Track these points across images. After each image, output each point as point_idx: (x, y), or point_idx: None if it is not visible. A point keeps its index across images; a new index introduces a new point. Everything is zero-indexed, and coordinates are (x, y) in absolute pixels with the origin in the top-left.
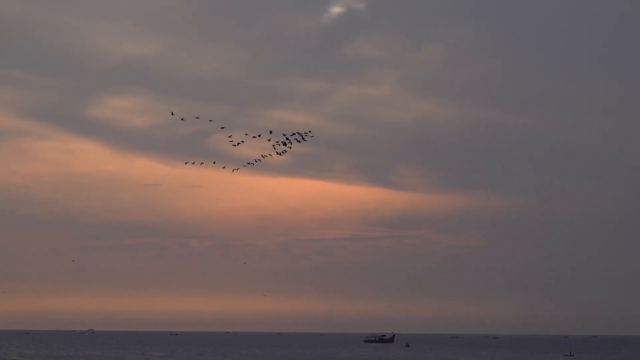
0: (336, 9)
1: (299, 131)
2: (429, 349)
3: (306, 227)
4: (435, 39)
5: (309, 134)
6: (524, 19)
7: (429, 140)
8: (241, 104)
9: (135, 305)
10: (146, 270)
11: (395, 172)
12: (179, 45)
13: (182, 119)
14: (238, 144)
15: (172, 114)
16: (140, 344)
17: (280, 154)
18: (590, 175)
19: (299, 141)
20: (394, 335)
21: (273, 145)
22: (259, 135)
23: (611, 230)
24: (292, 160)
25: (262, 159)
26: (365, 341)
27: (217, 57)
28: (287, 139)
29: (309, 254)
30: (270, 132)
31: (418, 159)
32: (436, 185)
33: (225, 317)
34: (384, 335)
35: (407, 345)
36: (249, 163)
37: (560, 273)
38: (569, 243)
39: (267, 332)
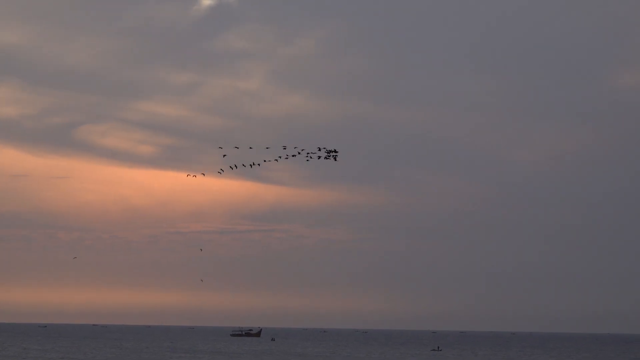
0: (207, 1)
1: (326, 148)
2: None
3: (175, 220)
4: (305, 33)
5: (333, 153)
6: (393, 13)
7: (299, 133)
8: (110, 94)
9: (2, 297)
10: (13, 261)
11: (264, 165)
12: (47, 34)
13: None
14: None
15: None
16: (4, 337)
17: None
18: (456, 169)
19: (327, 158)
20: (261, 329)
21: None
22: (286, 157)
23: (477, 224)
24: (160, 151)
25: (263, 163)
26: (232, 335)
27: (86, 47)
28: (318, 155)
29: (177, 247)
30: (284, 148)
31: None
32: (306, 179)
33: (93, 310)
34: (251, 330)
35: (273, 339)
36: (243, 165)
37: (428, 268)
38: (436, 237)
39: (136, 325)
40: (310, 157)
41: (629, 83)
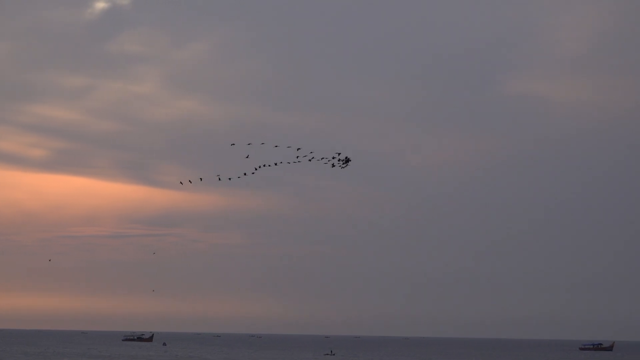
0: (100, 4)
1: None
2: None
3: (67, 224)
4: (199, 37)
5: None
6: (287, 18)
7: (193, 138)
8: (1, 97)
9: None
10: None
11: (158, 169)
12: None
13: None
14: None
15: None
16: None
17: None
18: (351, 175)
19: (342, 167)
20: (153, 334)
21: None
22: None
23: (370, 229)
24: (53, 155)
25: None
26: (124, 340)
27: None
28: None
29: (70, 251)
30: (298, 149)
31: (181, 157)
32: (199, 183)
33: None
34: (143, 334)
35: (165, 344)
36: (245, 174)
37: (322, 273)
38: (330, 242)
39: (28, 330)
40: (328, 161)
41: (518, 90)
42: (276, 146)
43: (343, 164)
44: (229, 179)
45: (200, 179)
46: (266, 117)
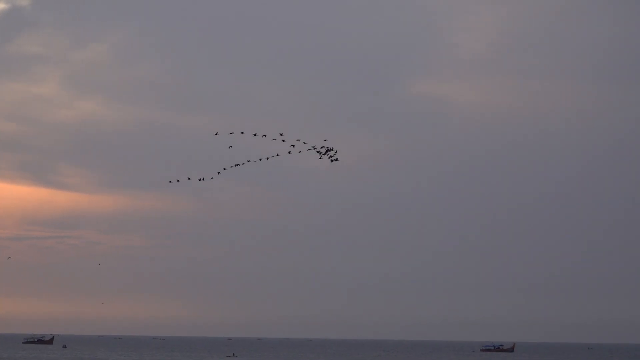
0: None
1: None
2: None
3: None
4: (99, 38)
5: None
6: (187, 19)
7: (94, 140)
8: None
9: None
10: None
11: (59, 171)
12: None
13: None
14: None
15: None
16: None
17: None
18: (254, 177)
19: (327, 154)
20: (53, 336)
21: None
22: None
23: (274, 231)
24: None
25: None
26: (24, 342)
27: None
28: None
29: None
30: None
31: (82, 158)
32: (100, 185)
33: None
34: (43, 337)
35: (65, 347)
36: (243, 161)
37: (224, 275)
38: (232, 244)
39: None
40: (318, 152)
41: (421, 91)
42: (254, 134)
43: (331, 157)
44: (202, 179)
45: (178, 180)
46: (165, 118)
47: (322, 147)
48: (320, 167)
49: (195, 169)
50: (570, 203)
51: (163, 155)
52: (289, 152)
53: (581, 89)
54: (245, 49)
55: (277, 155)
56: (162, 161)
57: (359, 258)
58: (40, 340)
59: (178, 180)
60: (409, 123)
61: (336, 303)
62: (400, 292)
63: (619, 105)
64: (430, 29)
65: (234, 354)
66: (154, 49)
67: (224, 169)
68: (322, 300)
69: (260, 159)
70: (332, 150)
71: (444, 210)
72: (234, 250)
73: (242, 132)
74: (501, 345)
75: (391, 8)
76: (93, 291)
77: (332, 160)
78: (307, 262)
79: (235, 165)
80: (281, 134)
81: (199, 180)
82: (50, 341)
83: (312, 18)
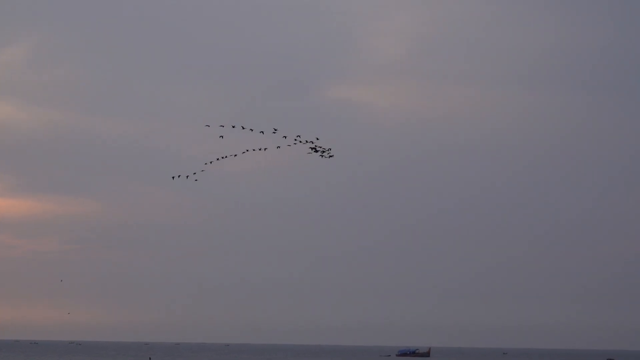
0: None
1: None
2: None
3: None
4: (15, 40)
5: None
6: (106, 23)
7: (8, 143)
8: None
9: None
10: None
11: None
12: None
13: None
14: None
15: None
16: None
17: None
18: (169, 180)
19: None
20: None
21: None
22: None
23: (190, 235)
24: None
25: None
26: None
27: None
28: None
29: None
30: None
31: None
32: (15, 189)
33: None
34: None
35: None
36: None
37: (140, 279)
38: (148, 248)
39: None
40: (312, 149)
41: (339, 95)
42: (251, 129)
43: (327, 154)
44: (187, 176)
45: (179, 176)
46: (84, 122)
47: (318, 147)
48: (234, 170)
49: (110, 173)
50: (487, 209)
51: (80, 159)
52: (278, 147)
53: (499, 95)
54: (164, 52)
55: (266, 149)
56: (79, 166)
57: (268, 262)
58: None
59: (179, 176)
60: (325, 128)
61: (247, 306)
62: (314, 297)
63: (536, 111)
64: (347, 33)
65: (150, 359)
66: (72, 52)
67: (210, 162)
68: (238, 304)
69: (247, 150)
70: (328, 150)
71: (359, 214)
72: (148, 254)
73: (233, 126)
74: (417, 349)
75: (308, 12)
76: (6, 295)
77: (329, 156)
78: (220, 266)
79: (223, 157)
80: (275, 130)
81: (202, 170)
82: None
83: (230, 22)
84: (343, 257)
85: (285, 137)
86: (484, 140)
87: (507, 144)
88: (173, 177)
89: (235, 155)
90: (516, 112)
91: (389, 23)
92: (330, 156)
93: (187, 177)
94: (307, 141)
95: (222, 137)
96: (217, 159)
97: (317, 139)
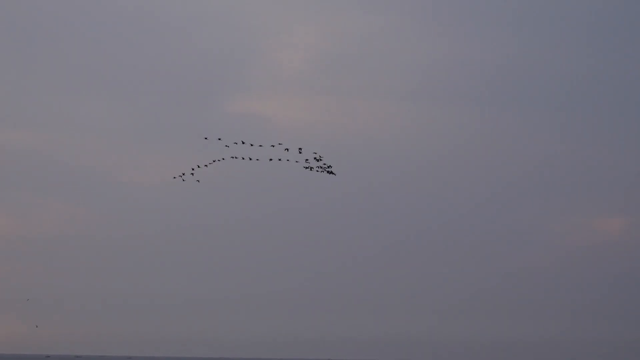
0: None
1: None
2: None
3: None
4: None
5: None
6: (12, 31)
7: None
8: None
9: None
10: None
11: None
12: None
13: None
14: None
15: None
16: None
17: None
18: (68, 192)
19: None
20: None
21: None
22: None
23: (88, 248)
24: None
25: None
26: None
27: None
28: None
29: None
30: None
31: None
32: None
33: None
34: None
35: None
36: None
37: (43, 292)
38: (50, 260)
39: None
40: (310, 166)
41: (242, 109)
42: (251, 145)
43: (326, 170)
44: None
45: (183, 173)
46: None
47: (322, 163)
48: (134, 181)
49: (6, 185)
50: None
51: None
52: (270, 160)
53: (403, 109)
54: (65, 63)
55: (257, 160)
56: None
57: (176, 274)
58: None
59: (183, 174)
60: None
61: (149, 319)
62: (209, 310)
63: (438, 125)
64: (252, 46)
65: None
66: None
67: (206, 165)
68: (145, 316)
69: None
70: (328, 167)
71: (263, 227)
72: (46, 266)
73: (241, 142)
74: None
75: (212, 24)
76: None
77: (328, 173)
78: (121, 278)
79: (214, 161)
80: (280, 144)
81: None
82: None
83: (133, 34)
84: (255, 272)
85: (287, 149)
86: (389, 152)
87: (411, 157)
88: (174, 177)
89: (223, 159)
90: (420, 125)
91: (295, 36)
92: (331, 173)
93: (182, 175)
94: (316, 158)
95: (220, 139)
96: (206, 165)
97: (315, 152)
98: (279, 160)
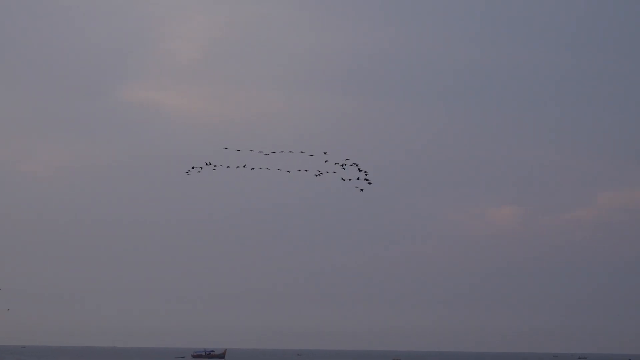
0: None
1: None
2: None
3: None
4: None
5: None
6: None
7: None
8: None
9: None
10: None
11: None
12: None
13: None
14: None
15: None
16: None
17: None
18: None
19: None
20: None
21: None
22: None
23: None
24: None
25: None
26: None
27: None
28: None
29: None
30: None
31: None
32: None
33: None
34: None
35: None
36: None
37: None
38: None
39: None
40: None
41: (135, 97)
42: (282, 151)
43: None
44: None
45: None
46: None
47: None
48: (29, 172)
49: None
50: (295, 213)
51: None
52: (298, 170)
53: (293, 97)
54: None
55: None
56: None
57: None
58: None
59: (193, 168)
60: (122, 130)
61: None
62: (102, 299)
63: (328, 112)
64: (146, 34)
65: None
66: None
67: (201, 166)
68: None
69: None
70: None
71: (150, 216)
72: None
73: (262, 152)
74: (212, 351)
75: (107, 12)
76: None
77: (367, 183)
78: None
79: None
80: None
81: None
82: None
83: (27, 24)
84: (144, 260)
85: (327, 160)
86: (279, 141)
87: (304, 145)
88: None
89: (221, 165)
90: (311, 113)
91: (190, 25)
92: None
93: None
94: (360, 170)
95: (227, 148)
96: (210, 165)
97: (347, 159)
98: (306, 171)
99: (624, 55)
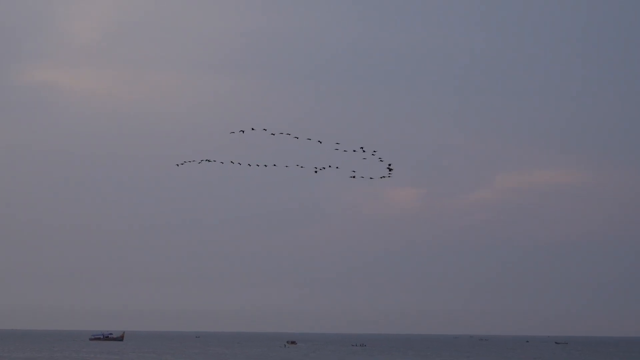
0: None
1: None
2: None
3: None
4: None
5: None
6: None
7: None
8: None
9: None
10: None
11: None
12: None
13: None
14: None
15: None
16: None
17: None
18: None
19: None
20: None
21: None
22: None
23: None
24: None
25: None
26: None
27: None
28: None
29: None
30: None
31: None
32: None
33: None
34: None
35: None
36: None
37: None
38: None
39: None
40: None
41: (32, 79)
42: (309, 139)
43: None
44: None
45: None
46: None
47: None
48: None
49: None
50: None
51: None
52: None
53: (200, 80)
54: None
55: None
56: None
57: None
58: None
59: (184, 163)
60: (19, 112)
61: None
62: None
63: (230, 95)
64: (44, 15)
65: None
66: None
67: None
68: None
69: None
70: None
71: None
72: None
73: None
74: (110, 334)
75: None
76: None
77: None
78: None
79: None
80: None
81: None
82: None
83: None
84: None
85: (345, 150)
86: (178, 124)
87: (205, 125)
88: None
89: (221, 162)
90: (210, 95)
91: (90, 6)
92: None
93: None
94: (385, 162)
95: (233, 132)
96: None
97: (361, 147)
98: (301, 167)
99: (523, 43)
